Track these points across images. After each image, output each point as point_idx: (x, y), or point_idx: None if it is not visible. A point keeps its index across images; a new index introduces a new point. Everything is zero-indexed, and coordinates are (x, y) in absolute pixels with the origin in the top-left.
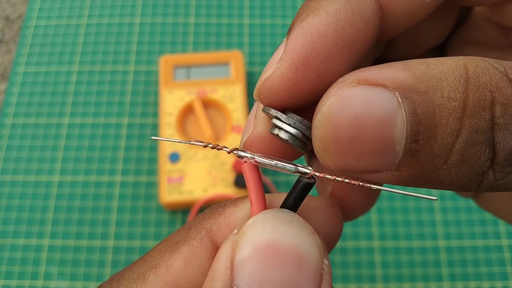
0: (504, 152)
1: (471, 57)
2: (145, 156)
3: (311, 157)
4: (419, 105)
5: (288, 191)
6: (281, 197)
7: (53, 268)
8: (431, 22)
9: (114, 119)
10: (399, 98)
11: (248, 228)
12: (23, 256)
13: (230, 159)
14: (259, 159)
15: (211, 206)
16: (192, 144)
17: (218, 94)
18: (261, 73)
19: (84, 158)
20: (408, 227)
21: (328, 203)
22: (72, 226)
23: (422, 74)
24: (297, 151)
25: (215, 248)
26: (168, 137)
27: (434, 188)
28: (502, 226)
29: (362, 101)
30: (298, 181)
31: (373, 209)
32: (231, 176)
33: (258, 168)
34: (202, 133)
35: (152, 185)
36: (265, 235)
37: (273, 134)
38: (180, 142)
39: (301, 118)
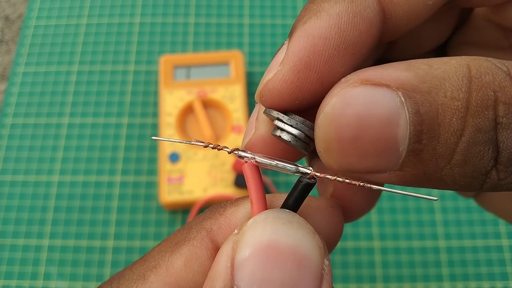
0: (508, 151)
1: (474, 56)
2: (145, 156)
3: (312, 158)
4: (422, 105)
5: (288, 191)
6: (281, 197)
7: (52, 268)
8: (432, 23)
9: (114, 119)
10: (402, 98)
11: (249, 228)
12: (23, 256)
13: (230, 159)
14: (259, 159)
15: (211, 206)
16: (192, 144)
17: (218, 94)
18: (261, 73)
19: (84, 158)
20: (409, 227)
21: (328, 204)
22: (72, 226)
23: (424, 73)
24: (299, 152)
25: (216, 248)
26: (168, 137)
27: (437, 188)
28: (503, 226)
29: (365, 101)
30: (299, 181)
31: (373, 209)
32: (231, 176)
33: (259, 169)
34: (202, 133)
35: (152, 185)
36: (265, 235)
37: (275, 135)
38: (180, 142)
39: (303, 119)
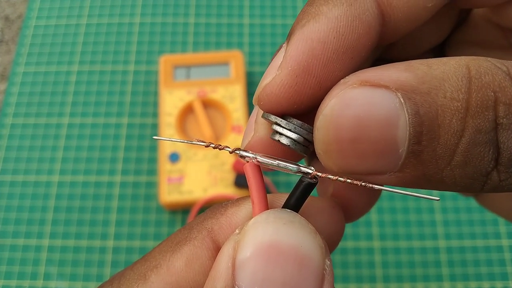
0: (508, 152)
1: (474, 57)
2: (145, 156)
3: (312, 159)
4: (422, 106)
5: (289, 191)
6: (283, 197)
7: (52, 268)
8: (431, 23)
9: (114, 119)
10: (401, 99)
11: (250, 228)
12: (23, 256)
13: (230, 159)
14: (261, 159)
15: (212, 206)
16: (194, 144)
17: (218, 94)
18: (261, 73)
19: (84, 158)
20: (409, 227)
21: (329, 204)
22: (72, 226)
23: (424, 74)
24: (299, 154)
25: (217, 248)
26: (168, 137)
27: (437, 190)
28: (503, 226)
29: (364, 103)
30: (300, 181)
31: (373, 209)
32: (231, 176)
33: (260, 168)
34: (202, 133)
35: (152, 185)
36: (266, 235)
37: (274, 139)
38: (182, 142)
39: (301, 122)
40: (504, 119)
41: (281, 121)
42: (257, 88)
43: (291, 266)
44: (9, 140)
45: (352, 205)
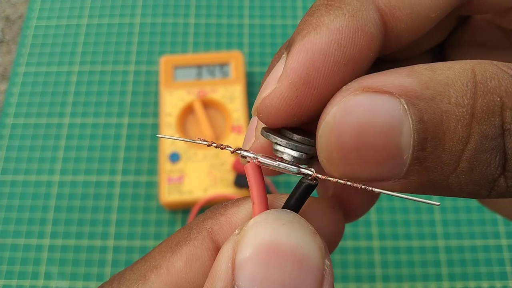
0: None
1: (479, 60)
2: (145, 156)
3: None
4: (426, 112)
5: (288, 191)
6: (283, 198)
7: (53, 268)
8: None
9: (114, 119)
10: (405, 105)
11: (250, 229)
12: (24, 255)
13: (230, 159)
14: (262, 159)
15: (212, 207)
16: (196, 143)
17: (218, 94)
18: (261, 73)
19: (84, 158)
20: (408, 226)
21: (329, 205)
22: (73, 225)
23: (428, 80)
24: None
25: (217, 249)
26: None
27: (443, 196)
28: (502, 226)
29: (367, 109)
30: (301, 182)
31: (373, 209)
32: (231, 176)
33: (261, 169)
34: (202, 133)
35: (152, 185)
36: (266, 236)
37: (277, 155)
38: (185, 141)
39: (302, 137)
40: (511, 125)
41: (281, 141)
42: (256, 100)
43: (290, 266)
44: (10, 140)
45: (351, 205)
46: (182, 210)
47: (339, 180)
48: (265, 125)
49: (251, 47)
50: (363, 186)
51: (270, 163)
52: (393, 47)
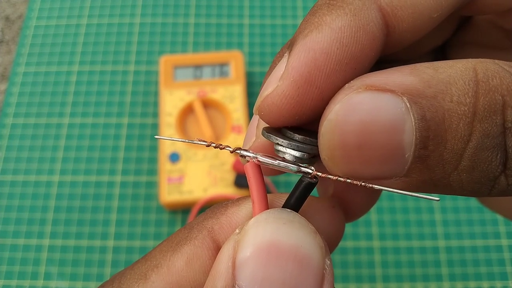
0: None
1: (481, 59)
2: (145, 156)
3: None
4: (428, 110)
5: (288, 190)
6: (283, 197)
7: (53, 268)
8: None
9: (114, 119)
10: (407, 104)
11: (250, 228)
12: (23, 256)
13: (230, 159)
14: (261, 158)
15: (212, 206)
16: (195, 143)
17: (218, 94)
18: (261, 73)
19: (84, 158)
20: (408, 227)
21: (329, 204)
22: (72, 226)
23: (430, 78)
24: None
25: (217, 248)
26: (169, 137)
27: (444, 194)
28: (502, 226)
29: (370, 107)
30: (301, 181)
31: (373, 209)
32: (231, 176)
33: (261, 168)
34: (202, 133)
35: (152, 185)
36: (267, 235)
37: (279, 155)
38: (183, 141)
39: (303, 137)
40: None
41: (282, 141)
42: (257, 98)
43: (291, 265)
44: (9, 140)
45: (352, 205)
46: (182, 210)
47: (339, 178)
48: (267, 124)
49: (251, 47)
50: (363, 184)
51: (270, 162)
52: (395, 47)
